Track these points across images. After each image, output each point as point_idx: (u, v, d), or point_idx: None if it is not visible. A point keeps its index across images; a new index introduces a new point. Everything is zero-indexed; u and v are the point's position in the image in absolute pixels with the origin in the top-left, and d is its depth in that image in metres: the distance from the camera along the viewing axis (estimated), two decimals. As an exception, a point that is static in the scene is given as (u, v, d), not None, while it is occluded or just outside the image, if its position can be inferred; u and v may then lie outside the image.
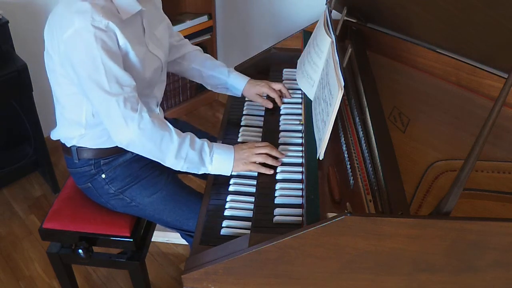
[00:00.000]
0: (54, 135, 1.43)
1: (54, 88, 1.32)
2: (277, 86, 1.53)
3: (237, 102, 1.61)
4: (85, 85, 1.18)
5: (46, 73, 1.30)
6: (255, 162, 1.25)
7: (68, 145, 1.39)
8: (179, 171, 1.36)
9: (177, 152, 1.23)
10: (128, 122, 1.19)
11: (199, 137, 1.31)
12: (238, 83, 1.56)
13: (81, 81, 1.19)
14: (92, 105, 1.25)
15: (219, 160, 1.26)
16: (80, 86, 1.23)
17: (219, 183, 1.29)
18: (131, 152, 1.41)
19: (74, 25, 1.13)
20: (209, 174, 1.29)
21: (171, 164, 1.25)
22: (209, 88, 1.63)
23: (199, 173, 1.27)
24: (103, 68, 1.15)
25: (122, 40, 1.20)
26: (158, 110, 1.48)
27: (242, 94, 1.57)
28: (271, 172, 1.24)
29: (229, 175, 1.27)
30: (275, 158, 1.27)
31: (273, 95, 1.51)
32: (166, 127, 1.24)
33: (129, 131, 1.19)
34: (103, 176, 1.39)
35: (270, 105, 1.51)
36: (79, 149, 1.38)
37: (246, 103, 1.59)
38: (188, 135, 1.26)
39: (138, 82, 1.26)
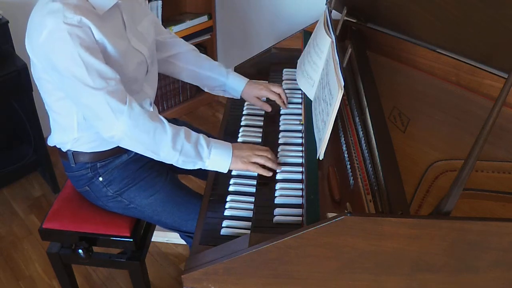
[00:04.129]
0: (50, 142, 1.42)
1: (43, 95, 1.31)
2: (277, 89, 1.50)
3: (237, 102, 1.60)
4: (69, 85, 1.17)
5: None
6: (255, 163, 1.24)
7: (64, 150, 1.39)
8: (178, 171, 1.35)
9: (172, 143, 1.20)
10: (118, 115, 1.16)
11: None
12: (237, 85, 1.53)
13: (64, 83, 1.18)
14: (78, 106, 1.23)
15: (217, 155, 1.23)
16: (65, 89, 1.21)
17: (219, 183, 1.29)
18: (127, 153, 1.40)
19: (47, 26, 1.12)
20: (205, 170, 1.26)
21: (166, 157, 1.22)
22: (205, 90, 1.60)
23: (195, 168, 1.24)
24: (83, 63, 1.13)
25: (98, 35, 1.17)
26: (152, 109, 1.47)
27: (240, 97, 1.55)
28: (270, 174, 1.23)
29: (226, 172, 1.25)
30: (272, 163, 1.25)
31: (273, 97, 1.49)
32: (159, 118, 1.22)
33: (119, 124, 1.17)
34: (101, 179, 1.39)
35: (269, 109, 1.49)
36: (75, 153, 1.37)
37: (246, 103, 1.58)
38: (183, 128, 1.24)
39: (122, 78, 1.23)
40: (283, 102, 1.49)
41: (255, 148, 1.27)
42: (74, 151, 1.37)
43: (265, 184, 1.22)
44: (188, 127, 1.64)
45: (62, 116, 1.32)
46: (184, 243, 1.78)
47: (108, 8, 1.20)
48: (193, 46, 1.60)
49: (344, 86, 1.12)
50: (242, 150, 1.25)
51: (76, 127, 1.32)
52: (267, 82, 1.63)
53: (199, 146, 1.23)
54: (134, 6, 1.34)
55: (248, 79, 1.55)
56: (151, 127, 1.19)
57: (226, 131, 1.50)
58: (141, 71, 1.35)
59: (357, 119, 1.26)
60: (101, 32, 1.17)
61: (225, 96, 1.59)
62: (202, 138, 1.24)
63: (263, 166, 1.24)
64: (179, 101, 2.84)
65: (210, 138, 1.27)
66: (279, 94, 1.50)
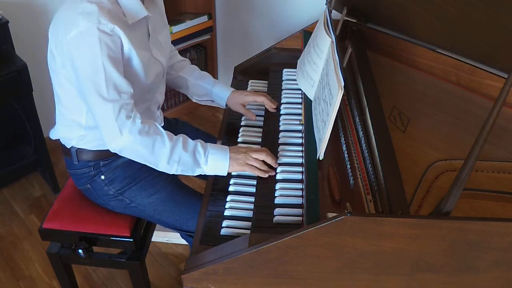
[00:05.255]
0: (53, 134, 1.43)
1: (56, 88, 1.32)
2: (261, 94, 1.51)
3: (237, 102, 1.60)
4: (84, 87, 1.18)
5: (48, 72, 1.30)
6: (251, 165, 1.25)
7: (68, 146, 1.39)
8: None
9: (170, 155, 1.22)
10: (122, 129, 1.19)
11: (199, 137, 1.31)
12: (222, 93, 1.56)
13: (80, 83, 1.19)
14: (88, 107, 1.25)
15: (214, 160, 1.25)
16: (78, 88, 1.22)
17: (219, 183, 1.29)
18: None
19: (79, 26, 1.12)
20: (205, 174, 1.28)
21: (165, 168, 1.24)
22: (194, 100, 1.63)
23: (194, 174, 1.26)
24: (104, 73, 1.15)
25: (127, 45, 1.19)
26: (159, 113, 1.48)
27: (226, 105, 1.56)
28: (266, 175, 1.23)
29: (225, 175, 1.26)
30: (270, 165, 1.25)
31: (260, 99, 1.49)
32: (158, 131, 1.24)
33: (122, 138, 1.19)
34: (103, 177, 1.39)
35: (253, 117, 1.51)
36: (78, 150, 1.38)
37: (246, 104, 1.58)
38: (180, 137, 1.25)
39: (139, 88, 1.26)
40: (271, 102, 1.49)
41: (251, 151, 1.27)
42: (78, 148, 1.38)
43: (265, 184, 1.22)
44: (187, 127, 1.65)
45: (71, 111, 1.33)
46: (184, 243, 1.79)
47: (138, 19, 1.22)
48: (186, 58, 1.64)
49: (344, 86, 1.12)
50: (238, 153, 1.26)
51: (84, 124, 1.32)
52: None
53: (197, 153, 1.24)
54: (157, 16, 1.36)
55: (233, 88, 1.58)
56: (150, 142, 1.21)
57: (226, 131, 1.51)
58: (157, 82, 1.38)
59: (357, 119, 1.26)
60: (130, 42, 1.19)
61: (212, 105, 1.62)
62: (199, 145, 1.25)
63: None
64: (179, 101, 2.84)
65: (208, 144, 1.28)
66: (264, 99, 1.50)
